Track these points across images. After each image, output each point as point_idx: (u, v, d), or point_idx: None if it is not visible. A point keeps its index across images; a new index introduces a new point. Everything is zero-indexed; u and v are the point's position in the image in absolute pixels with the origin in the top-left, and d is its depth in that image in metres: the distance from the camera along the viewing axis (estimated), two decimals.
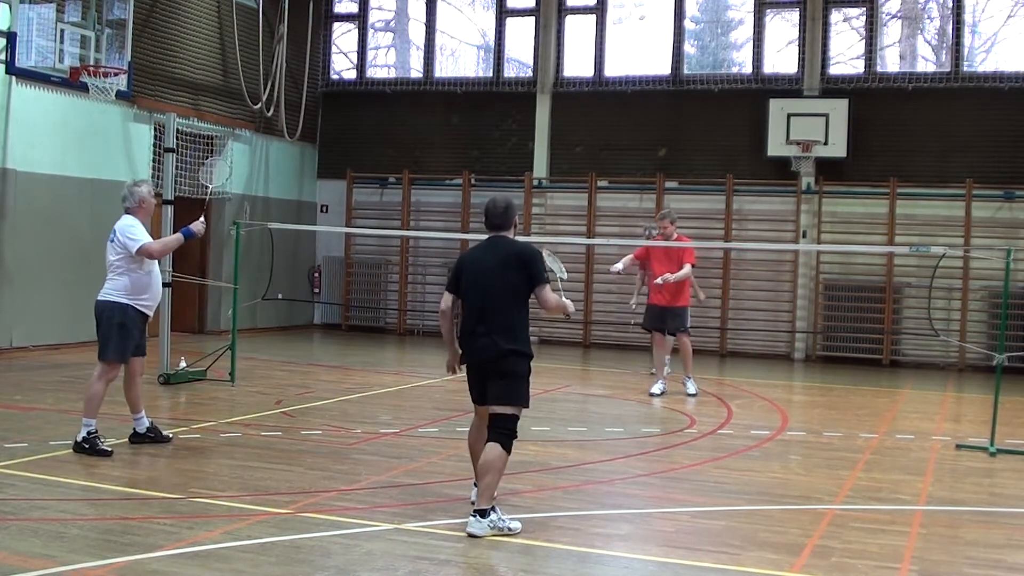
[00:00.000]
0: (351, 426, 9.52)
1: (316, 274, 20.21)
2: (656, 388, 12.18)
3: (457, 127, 19.60)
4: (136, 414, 8.32)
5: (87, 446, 7.86)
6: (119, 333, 7.99)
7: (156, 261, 8.27)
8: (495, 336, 6.23)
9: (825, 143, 16.95)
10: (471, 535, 5.96)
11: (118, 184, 15.57)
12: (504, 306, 6.29)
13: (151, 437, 8.33)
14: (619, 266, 12.54)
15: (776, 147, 17.19)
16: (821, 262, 17.45)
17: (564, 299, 6.51)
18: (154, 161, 15.84)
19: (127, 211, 8.22)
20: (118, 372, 8.17)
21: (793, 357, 17.39)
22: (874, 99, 17.19)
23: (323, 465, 7.82)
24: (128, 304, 8.02)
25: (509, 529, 6.07)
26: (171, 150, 12.03)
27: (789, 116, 17.10)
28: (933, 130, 17.03)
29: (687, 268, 11.95)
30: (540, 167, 18.90)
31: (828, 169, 17.22)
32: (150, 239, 8.15)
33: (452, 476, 7.51)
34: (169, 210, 11.82)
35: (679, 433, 9.76)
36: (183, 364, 12.01)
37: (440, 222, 19.45)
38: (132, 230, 8.04)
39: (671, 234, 12.09)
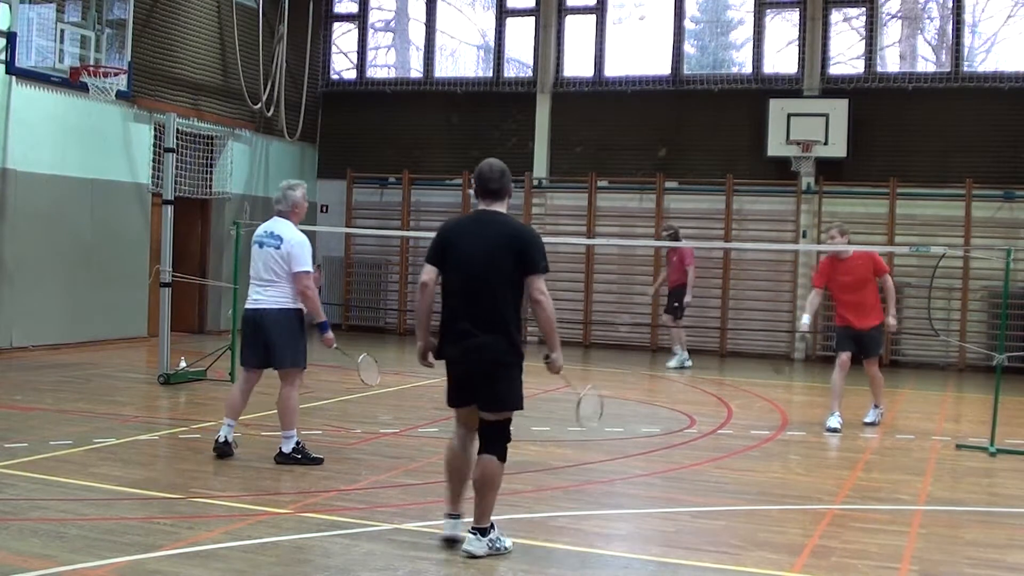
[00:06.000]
0: (351, 426, 9.53)
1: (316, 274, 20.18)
2: (834, 422, 10.11)
3: (457, 127, 19.59)
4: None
5: (299, 456, 7.69)
6: (302, 339, 7.79)
7: None
8: (482, 335, 5.54)
9: (825, 143, 16.93)
10: (469, 555, 5.54)
11: (118, 184, 15.85)
12: (493, 298, 5.54)
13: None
14: (807, 321, 10.61)
15: (776, 147, 17.18)
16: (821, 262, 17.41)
17: (562, 359, 5.69)
18: (154, 161, 15.85)
19: (280, 214, 7.94)
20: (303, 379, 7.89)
21: (793, 357, 17.38)
22: (874, 99, 17.18)
23: (323, 465, 7.81)
24: (299, 308, 7.78)
25: (505, 548, 5.65)
26: (171, 150, 12.03)
27: (789, 116, 17.08)
28: (933, 130, 17.02)
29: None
30: (540, 167, 18.90)
31: (828, 169, 17.21)
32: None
33: None
34: (169, 210, 11.83)
35: (679, 433, 9.75)
36: (183, 364, 12.02)
37: (440, 222, 19.25)
38: (303, 248, 7.72)
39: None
